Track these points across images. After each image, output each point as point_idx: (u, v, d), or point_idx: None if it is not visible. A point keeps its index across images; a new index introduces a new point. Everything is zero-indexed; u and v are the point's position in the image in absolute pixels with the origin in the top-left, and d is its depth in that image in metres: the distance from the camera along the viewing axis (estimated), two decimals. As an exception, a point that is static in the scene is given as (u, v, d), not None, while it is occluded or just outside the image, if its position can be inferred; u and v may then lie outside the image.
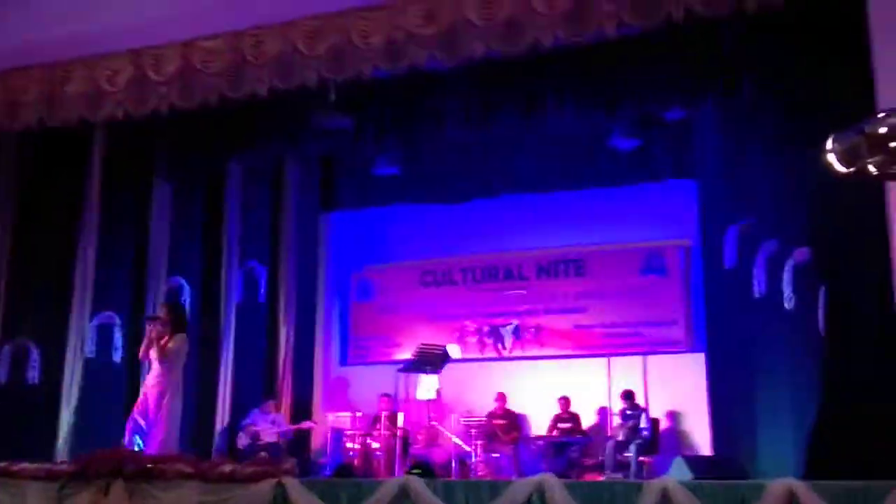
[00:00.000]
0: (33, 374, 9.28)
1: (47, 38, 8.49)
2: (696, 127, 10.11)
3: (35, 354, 9.34)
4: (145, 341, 8.40)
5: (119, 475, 6.69)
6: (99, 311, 9.40)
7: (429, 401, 9.90)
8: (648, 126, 10.17)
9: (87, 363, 9.26)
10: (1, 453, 8.17)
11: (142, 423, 8.07)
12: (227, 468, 6.69)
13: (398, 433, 10.24)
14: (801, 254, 8.02)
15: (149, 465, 6.75)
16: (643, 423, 9.95)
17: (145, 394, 8.23)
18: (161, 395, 8.13)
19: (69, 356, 9.26)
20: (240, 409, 10.65)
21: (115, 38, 8.45)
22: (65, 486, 6.79)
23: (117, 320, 9.55)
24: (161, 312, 8.58)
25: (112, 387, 9.26)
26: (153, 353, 8.25)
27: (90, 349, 9.33)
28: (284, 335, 11.46)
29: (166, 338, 8.28)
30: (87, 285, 9.48)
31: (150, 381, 8.26)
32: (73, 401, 9.12)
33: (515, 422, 10.68)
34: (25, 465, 7.12)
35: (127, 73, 8.58)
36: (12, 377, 9.25)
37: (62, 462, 7.77)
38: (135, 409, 8.22)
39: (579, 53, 7.72)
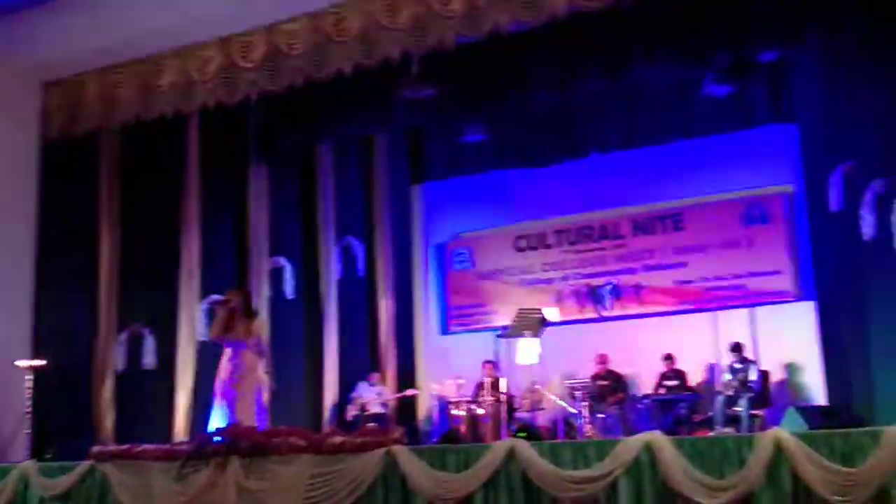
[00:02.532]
0: (149, 360, 9.69)
1: (137, 34, 8.73)
2: (793, 68, 9.73)
3: (149, 340, 9.74)
4: (216, 322, 8.21)
5: (235, 452, 6.91)
6: (206, 294, 9.68)
7: (531, 365, 9.87)
8: (743, 70, 9.80)
9: (200, 345, 9.58)
10: (124, 436, 8.61)
11: (222, 405, 7.92)
12: (338, 440, 6.82)
13: (502, 399, 10.27)
14: (911, 192, 7.69)
15: (262, 441, 6.94)
16: (753, 376, 9.71)
17: (225, 376, 8.02)
18: (237, 379, 7.97)
19: (181, 340, 9.62)
20: (346, 383, 10.88)
21: (202, 28, 8.65)
22: (185, 464, 7.05)
23: (224, 303, 9.83)
24: (233, 295, 8.30)
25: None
26: (234, 335, 8.06)
27: (201, 331, 9.64)
28: (385, 307, 11.63)
29: (244, 320, 8.14)
30: (193, 270, 9.80)
31: (226, 363, 8.05)
32: (188, 383, 9.48)
33: (620, 382, 10.58)
34: (147, 446, 7.41)
35: (216, 61, 8.80)
36: (129, 363, 9.67)
37: (181, 442, 8.05)
38: (219, 391, 8.01)
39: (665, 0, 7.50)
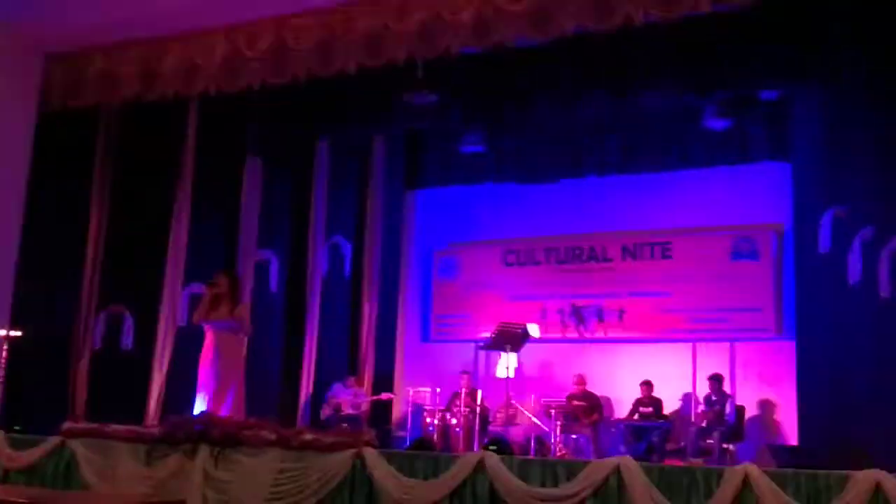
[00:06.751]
0: (127, 341, 9.65)
1: (144, 14, 8.72)
2: (793, 107, 9.79)
3: (129, 322, 9.70)
4: (201, 306, 8.32)
5: (205, 440, 6.88)
6: (190, 281, 9.65)
7: (508, 379, 9.88)
8: (743, 106, 9.88)
9: (179, 331, 9.54)
10: (95, 415, 8.56)
11: (207, 390, 8.00)
12: (309, 437, 6.81)
13: (477, 410, 10.27)
14: (899, 240, 7.74)
15: (233, 432, 6.92)
16: (728, 410, 9.74)
17: (210, 360, 8.11)
18: (220, 364, 8.04)
19: (161, 324, 9.57)
20: (323, 381, 10.86)
21: (208, 14, 8.64)
22: (153, 448, 7.02)
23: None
24: (221, 279, 8.39)
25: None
26: (218, 317, 8.13)
27: (182, 317, 9.60)
28: (368, 310, 11.61)
29: (229, 304, 8.22)
30: (179, 256, 9.77)
31: (209, 347, 8.14)
32: (165, 367, 9.44)
33: (595, 404, 10.58)
34: (117, 426, 7.37)
35: (221, 49, 8.79)
36: (107, 343, 9.63)
37: (152, 426, 8.02)
38: (201, 376, 8.12)
39: (672, 30, 7.53)
